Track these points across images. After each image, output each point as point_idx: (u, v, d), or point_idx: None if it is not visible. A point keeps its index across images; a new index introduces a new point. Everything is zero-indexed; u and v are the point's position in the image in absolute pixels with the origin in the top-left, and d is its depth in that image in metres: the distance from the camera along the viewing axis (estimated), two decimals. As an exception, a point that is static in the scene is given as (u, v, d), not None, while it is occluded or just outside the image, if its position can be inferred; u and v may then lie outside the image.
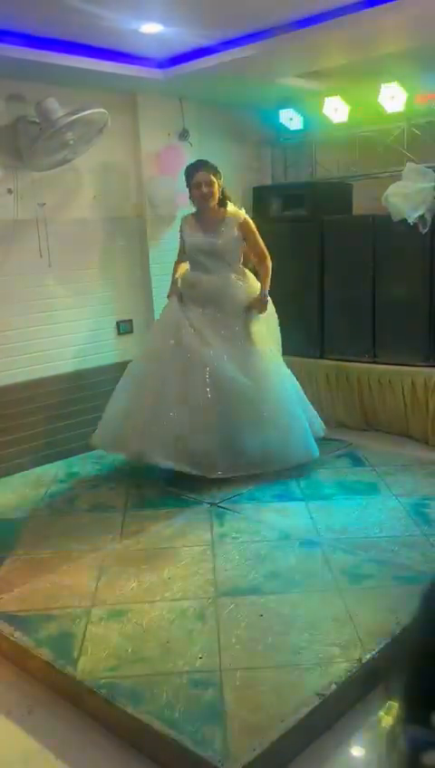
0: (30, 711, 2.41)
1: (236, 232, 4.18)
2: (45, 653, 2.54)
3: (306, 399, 4.44)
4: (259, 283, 4.29)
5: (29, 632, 2.68)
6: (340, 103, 5.08)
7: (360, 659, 2.39)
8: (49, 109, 4.07)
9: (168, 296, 4.41)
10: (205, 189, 4.11)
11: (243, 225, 4.21)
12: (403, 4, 3.38)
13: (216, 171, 4.16)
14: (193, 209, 4.32)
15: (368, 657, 2.41)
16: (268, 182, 5.81)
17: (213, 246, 4.19)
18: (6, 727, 2.35)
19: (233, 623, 2.68)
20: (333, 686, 2.27)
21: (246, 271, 4.33)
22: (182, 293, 4.30)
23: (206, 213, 4.23)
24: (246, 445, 4.05)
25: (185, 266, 4.39)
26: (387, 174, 4.87)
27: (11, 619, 2.78)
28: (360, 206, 5.38)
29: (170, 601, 2.86)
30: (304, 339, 5.30)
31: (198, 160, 4.26)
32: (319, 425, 4.44)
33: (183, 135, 5.13)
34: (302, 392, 4.41)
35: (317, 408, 4.56)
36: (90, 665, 2.46)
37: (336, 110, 5.11)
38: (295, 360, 5.16)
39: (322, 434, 4.42)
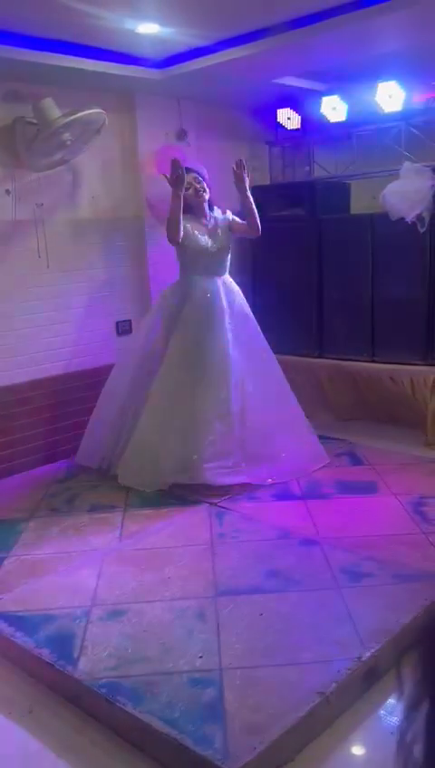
0: (30, 711, 2.41)
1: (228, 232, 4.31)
2: (45, 653, 2.54)
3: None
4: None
5: (29, 632, 2.68)
6: (338, 102, 5.08)
7: (359, 658, 2.40)
8: (46, 109, 4.07)
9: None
10: (197, 186, 4.20)
11: (233, 222, 4.34)
12: (401, 3, 3.38)
13: (202, 176, 4.28)
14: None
15: (368, 655, 2.41)
16: (266, 182, 5.81)
17: (219, 247, 4.25)
18: (7, 727, 2.35)
19: (233, 622, 2.68)
20: (333, 685, 2.27)
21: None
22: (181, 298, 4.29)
23: (201, 212, 4.28)
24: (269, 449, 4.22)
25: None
26: (385, 173, 4.86)
27: (11, 619, 2.78)
28: (358, 205, 5.38)
29: (170, 601, 2.87)
30: (303, 338, 5.31)
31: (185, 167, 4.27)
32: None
33: (181, 135, 5.13)
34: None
35: (316, 408, 4.57)
36: (90, 665, 2.46)
37: (334, 109, 5.11)
38: (294, 360, 5.17)
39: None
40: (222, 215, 4.35)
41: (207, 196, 4.27)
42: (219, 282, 4.28)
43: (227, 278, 4.36)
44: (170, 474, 4.04)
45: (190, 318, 4.21)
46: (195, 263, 4.25)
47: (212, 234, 4.26)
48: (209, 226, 4.27)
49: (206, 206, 4.29)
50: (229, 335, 4.21)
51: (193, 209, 4.25)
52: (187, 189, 4.15)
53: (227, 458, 4.04)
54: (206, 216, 4.28)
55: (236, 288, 4.38)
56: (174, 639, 2.59)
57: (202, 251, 4.21)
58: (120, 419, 4.35)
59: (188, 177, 4.13)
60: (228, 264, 4.35)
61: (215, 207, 4.35)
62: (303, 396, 4.58)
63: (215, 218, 4.31)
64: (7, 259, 4.43)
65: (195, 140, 5.19)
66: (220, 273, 4.30)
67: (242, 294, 4.40)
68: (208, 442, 4.02)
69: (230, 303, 4.28)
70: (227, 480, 3.99)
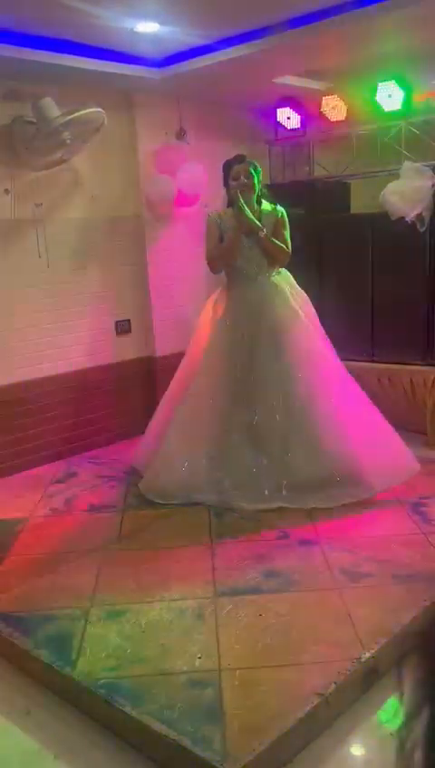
0: (29, 711, 2.41)
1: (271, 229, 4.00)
2: (44, 654, 2.54)
3: None
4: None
5: (28, 633, 2.67)
6: (338, 102, 5.07)
7: (359, 658, 2.39)
8: (45, 108, 4.07)
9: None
10: (245, 180, 3.91)
11: (279, 222, 4.03)
12: (400, 3, 3.37)
13: (256, 166, 3.99)
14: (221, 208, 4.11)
15: (367, 656, 2.41)
16: (266, 181, 5.78)
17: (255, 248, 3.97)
18: (5, 728, 2.35)
19: (232, 623, 2.67)
20: (333, 686, 2.26)
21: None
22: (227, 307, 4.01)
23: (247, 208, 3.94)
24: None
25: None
26: (385, 173, 4.86)
27: (10, 619, 2.77)
28: (358, 204, 5.38)
29: (169, 601, 2.86)
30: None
31: (240, 155, 4.03)
32: None
33: (180, 134, 5.12)
34: None
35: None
36: (88, 665, 2.45)
37: (334, 108, 5.10)
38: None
39: None
40: (271, 210, 4.03)
41: (255, 191, 3.95)
42: (263, 284, 3.99)
43: (277, 279, 4.04)
44: (196, 491, 3.84)
45: (224, 328, 3.98)
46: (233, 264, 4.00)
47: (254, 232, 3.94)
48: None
49: (253, 200, 3.97)
50: (272, 347, 3.88)
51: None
52: (235, 180, 3.91)
53: (259, 487, 3.78)
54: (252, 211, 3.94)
55: (287, 289, 4.04)
56: (173, 640, 2.59)
57: (242, 251, 3.94)
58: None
59: (241, 168, 3.91)
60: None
61: (263, 201, 4.04)
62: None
63: (260, 214, 3.99)
64: (7, 259, 4.42)
65: (194, 140, 5.18)
66: (263, 274, 4.00)
67: (298, 293, 4.08)
68: (239, 466, 3.81)
69: (271, 309, 3.94)
70: (262, 506, 3.72)
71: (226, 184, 4.02)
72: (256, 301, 3.96)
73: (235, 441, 3.85)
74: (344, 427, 3.82)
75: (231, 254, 3.96)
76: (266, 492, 3.77)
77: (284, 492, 3.76)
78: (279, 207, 4.07)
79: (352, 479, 3.71)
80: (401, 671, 1.30)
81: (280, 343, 3.90)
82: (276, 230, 4.01)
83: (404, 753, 0.88)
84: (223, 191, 4.10)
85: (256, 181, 3.95)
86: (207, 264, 4.08)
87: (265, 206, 4.03)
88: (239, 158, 3.98)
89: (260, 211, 3.99)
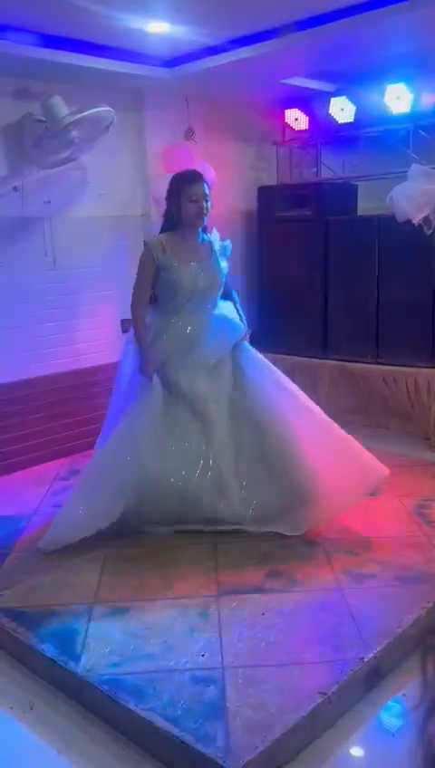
0: (31, 707, 2.41)
1: (224, 259, 3.58)
2: (47, 649, 2.55)
3: None
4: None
5: (31, 628, 2.68)
6: (346, 103, 5.08)
7: (362, 658, 2.40)
8: (55, 107, 4.08)
9: (146, 372, 3.46)
10: (205, 204, 3.44)
11: (228, 250, 3.62)
12: (411, 5, 3.38)
13: (209, 187, 3.52)
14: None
15: (370, 656, 2.41)
16: (273, 182, 5.81)
17: (217, 280, 3.52)
18: (8, 723, 2.36)
19: (235, 621, 2.68)
20: (335, 685, 2.27)
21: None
22: (167, 358, 3.50)
23: (195, 235, 3.52)
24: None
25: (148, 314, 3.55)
26: (392, 175, 4.86)
27: (13, 615, 2.78)
28: (365, 206, 5.39)
29: (172, 599, 2.87)
30: (308, 339, 5.31)
31: (196, 171, 3.57)
32: None
33: (188, 134, 5.13)
34: None
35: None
36: (92, 661, 2.46)
37: (342, 110, 5.11)
38: (299, 360, 5.18)
39: None
40: (220, 241, 3.61)
41: (206, 218, 3.50)
42: (207, 318, 3.56)
43: (222, 311, 3.64)
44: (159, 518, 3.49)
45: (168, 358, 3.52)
46: (181, 300, 3.49)
47: (207, 259, 3.52)
48: (200, 250, 3.52)
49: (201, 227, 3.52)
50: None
51: (185, 228, 3.48)
52: (191, 201, 3.42)
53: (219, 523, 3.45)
54: (195, 239, 3.52)
55: (229, 322, 3.63)
56: (176, 638, 2.60)
57: (193, 284, 3.45)
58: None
59: (196, 187, 3.42)
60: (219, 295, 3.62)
61: (213, 229, 3.64)
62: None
63: (210, 242, 3.57)
64: (14, 256, 4.44)
65: (202, 139, 5.19)
66: (210, 309, 3.58)
67: (235, 315, 3.69)
68: (199, 502, 3.44)
69: (218, 342, 3.56)
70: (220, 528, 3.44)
71: (174, 201, 3.47)
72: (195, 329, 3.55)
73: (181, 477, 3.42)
74: (301, 446, 3.44)
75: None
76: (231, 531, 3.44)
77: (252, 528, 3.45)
78: (228, 242, 3.64)
79: (312, 502, 3.40)
80: (427, 665, 1.31)
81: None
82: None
83: (425, 745, 0.89)
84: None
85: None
86: (130, 305, 3.54)
87: (214, 234, 3.61)
88: (196, 175, 3.48)
89: (208, 241, 3.56)
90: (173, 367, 3.50)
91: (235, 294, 3.79)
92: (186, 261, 3.46)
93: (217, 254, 3.56)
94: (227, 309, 3.70)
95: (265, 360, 3.66)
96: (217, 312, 3.62)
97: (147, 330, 3.52)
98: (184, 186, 3.44)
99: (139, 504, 3.39)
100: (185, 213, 3.44)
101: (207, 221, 3.52)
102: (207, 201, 3.44)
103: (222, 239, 3.64)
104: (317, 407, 3.61)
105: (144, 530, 3.48)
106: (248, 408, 3.54)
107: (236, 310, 3.73)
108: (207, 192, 3.46)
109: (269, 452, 3.48)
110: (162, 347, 3.50)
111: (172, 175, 3.59)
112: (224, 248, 3.61)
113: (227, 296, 3.71)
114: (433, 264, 4.66)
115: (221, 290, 3.60)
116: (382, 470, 3.49)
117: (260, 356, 3.66)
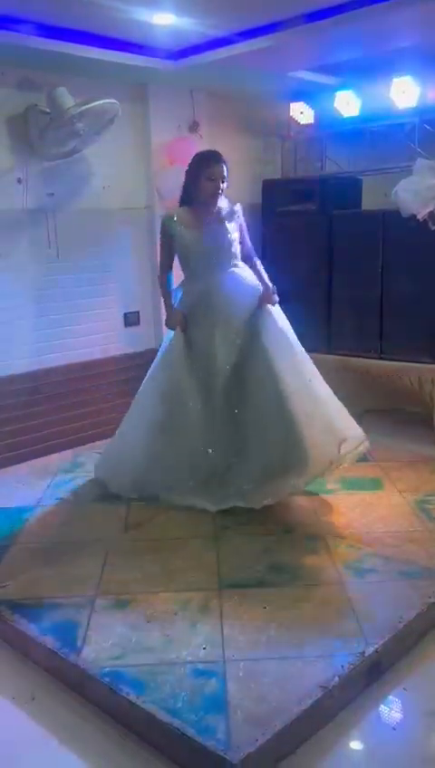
0: (33, 698, 2.42)
1: (235, 221, 3.78)
2: (49, 640, 2.55)
3: None
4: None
5: (33, 620, 2.69)
6: (351, 97, 5.06)
7: (363, 653, 2.40)
8: (60, 98, 4.07)
9: (168, 325, 3.85)
10: (222, 185, 3.68)
11: (240, 215, 3.83)
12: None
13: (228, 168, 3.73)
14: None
15: (371, 650, 2.42)
16: (278, 176, 5.79)
17: (223, 241, 3.71)
18: (10, 713, 2.37)
19: (236, 615, 2.68)
20: (336, 679, 2.27)
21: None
22: (188, 315, 3.78)
23: (208, 207, 3.73)
24: None
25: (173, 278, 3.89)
26: (398, 169, 4.84)
27: (16, 606, 2.79)
28: (369, 201, 5.37)
29: (174, 592, 2.87)
30: (312, 333, 5.27)
31: (217, 152, 3.76)
32: None
33: (193, 126, 5.11)
34: None
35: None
36: (93, 653, 2.47)
37: (347, 104, 5.09)
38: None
39: None
40: (230, 206, 3.80)
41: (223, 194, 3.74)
42: (219, 278, 3.75)
43: (235, 271, 3.80)
44: (157, 489, 3.77)
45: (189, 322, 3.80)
46: (195, 264, 3.77)
47: (215, 226, 3.72)
48: (210, 218, 3.73)
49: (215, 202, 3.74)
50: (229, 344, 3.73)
51: (200, 204, 3.72)
52: (210, 179, 3.64)
53: (224, 486, 3.67)
54: (208, 210, 3.72)
55: (244, 281, 3.80)
56: (177, 630, 2.60)
57: (203, 249, 3.71)
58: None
59: (217, 168, 3.63)
60: (237, 255, 3.80)
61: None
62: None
63: (218, 208, 3.75)
64: (18, 248, 4.43)
65: (207, 132, 5.17)
66: (221, 269, 3.76)
67: (256, 282, 3.83)
68: (197, 468, 3.70)
69: (230, 303, 3.73)
70: (228, 504, 3.63)
71: (193, 178, 3.69)
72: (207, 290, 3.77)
73: (189, 444, 3.71)
74: (290, 406, 3.60)
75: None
76: (232, 491, 3.64)
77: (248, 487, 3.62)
78: (237, 205, 3.84)
79: (297, 464, 3.57)
80: None
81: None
82: (242, 230, 3.83)
83: None
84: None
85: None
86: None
87: (221, 201, 3.77)
88: (217, 156, 3.69)
89: (217, 208, 3.75)
90: (193, 323, 3.79)
91: (255, 259, 3.95)
92: (193, 227, 3.72)
93: (225, 218, 3.75)
94: (246, 272, 3.86)
95: (286, 334, 3.86)
96: (234, 272, 3.80)
97: (169, 291, 3.88)
98: (205, 165, 3.68)
99: (152, 459, 3.78)
100: (202, 190, 3.69)
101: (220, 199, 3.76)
102: (223, 181, 3.68)
103: (232, 203, 3.84)
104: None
105: (158, 495, 3.75)
106: (254, 376, 3.71)
107: (258, 272, 3.89)
108: (226, 174, 3.68)
109: (264, 413, 3.66)
110: (182, 305, 3.82)
111: (195, 153, 3.84)
112: (231, 212, 3.80)
113: (247, 261, 3.91)
114: (438, 259, 4.65)
115: (233, 251, 3.78)
116: (359, 432, 3.82)
117: (282, 327, 3.85)
